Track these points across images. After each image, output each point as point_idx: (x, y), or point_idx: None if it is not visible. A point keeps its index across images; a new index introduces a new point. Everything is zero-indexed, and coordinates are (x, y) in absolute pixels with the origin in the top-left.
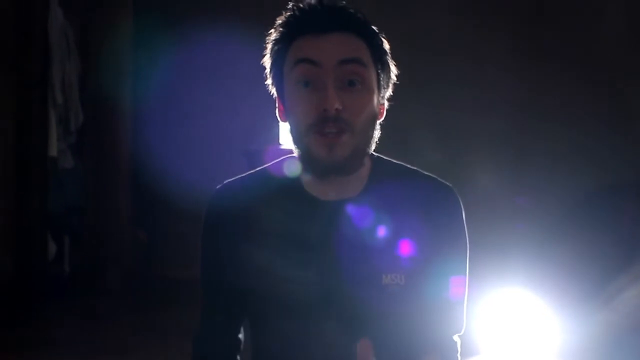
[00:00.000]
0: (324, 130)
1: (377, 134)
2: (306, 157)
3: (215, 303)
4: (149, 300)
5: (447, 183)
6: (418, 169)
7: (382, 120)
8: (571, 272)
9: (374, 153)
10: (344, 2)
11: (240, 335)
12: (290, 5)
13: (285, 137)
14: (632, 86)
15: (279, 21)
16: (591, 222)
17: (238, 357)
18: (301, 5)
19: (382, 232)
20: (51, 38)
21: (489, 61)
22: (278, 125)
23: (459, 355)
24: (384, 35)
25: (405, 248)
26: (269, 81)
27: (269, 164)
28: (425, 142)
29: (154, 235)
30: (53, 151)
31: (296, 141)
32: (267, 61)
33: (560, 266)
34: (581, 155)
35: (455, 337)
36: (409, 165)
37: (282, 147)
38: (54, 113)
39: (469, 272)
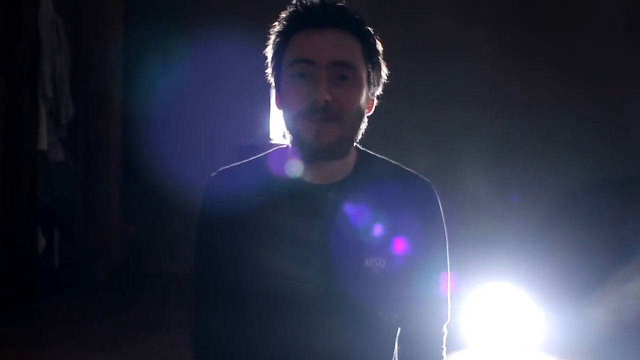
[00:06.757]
0: (313, 118)
1: (364, 125)
2: (296, 142)
3: (212, 292)
4: (138, 295)
5: (426, 179)
6: (400, 164)
7: (370, 114)
8: (558, 267)
9: (360, 147)
10: (343, 2)
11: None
12: (293, 1)
13: (279, 123)
14: (620, 81)
15: (282, 15)
16: (579, 217)
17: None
18: (303, 2)
19: (365, 217)
20: (41, 31)
21: (477, 56)
22: (268, 122)
23: (444, 345)
24: (377, 37)
25: (387, 235)
26: (269, 70)
27: (260, 154)
28: (414, 140)
29: (144, 229)
30: (43, 144)
31: (288, 126)
32: (268, 52)
33: (548, 261)
34: (570, 150)
35: (444, 328)
36: (392, 161)
37: (273, 142)
38: (44, 107)
39: (450, 265)
